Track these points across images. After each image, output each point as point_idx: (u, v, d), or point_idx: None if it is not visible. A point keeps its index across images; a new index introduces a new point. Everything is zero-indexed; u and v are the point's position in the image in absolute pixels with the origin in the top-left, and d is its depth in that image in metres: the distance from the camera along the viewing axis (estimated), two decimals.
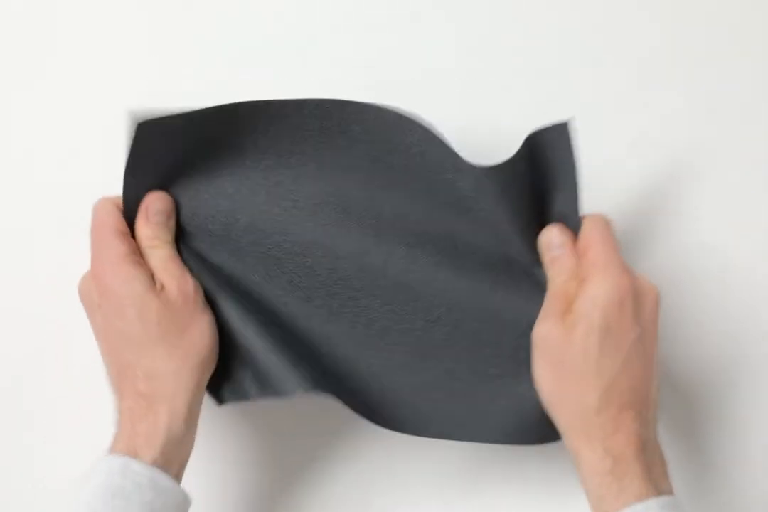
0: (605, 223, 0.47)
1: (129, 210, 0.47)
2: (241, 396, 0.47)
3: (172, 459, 0.44)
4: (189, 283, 0.46)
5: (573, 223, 0.47)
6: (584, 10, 0.56)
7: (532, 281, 0.48)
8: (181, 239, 0.49)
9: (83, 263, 0.54)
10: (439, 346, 0.49)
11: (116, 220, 0.47)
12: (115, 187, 0.55)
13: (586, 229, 0.46)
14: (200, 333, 0.46)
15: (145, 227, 0.47)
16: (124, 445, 0.43)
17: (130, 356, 0.45)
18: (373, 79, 0.56)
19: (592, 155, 0.54)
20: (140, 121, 0.45)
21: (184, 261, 0.48)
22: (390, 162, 0.48)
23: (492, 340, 0.49)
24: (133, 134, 0.45)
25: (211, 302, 0.47)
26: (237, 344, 0.47)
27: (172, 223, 0.48)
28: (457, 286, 0.48)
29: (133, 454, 0.43)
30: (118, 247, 0.46)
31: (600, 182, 0.55)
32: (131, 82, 0.55)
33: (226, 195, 0.49)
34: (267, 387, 0.46)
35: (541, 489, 0.56)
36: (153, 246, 0.47)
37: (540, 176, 0.47)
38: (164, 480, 0.43)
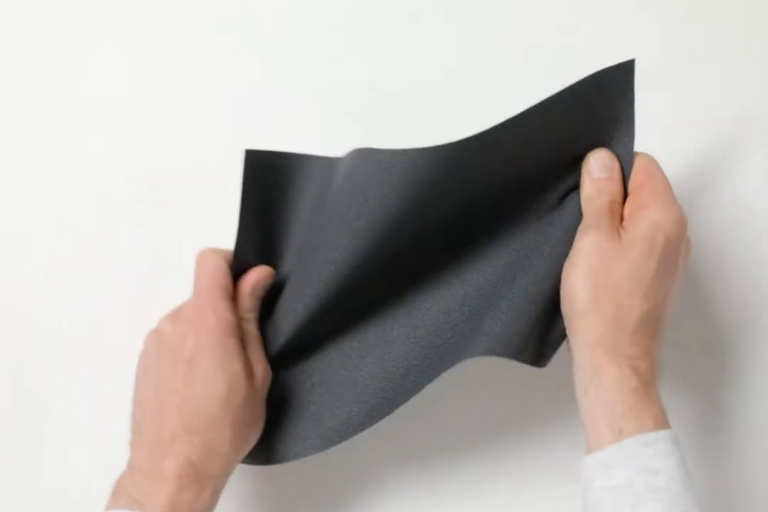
0: (658, 163, 0.47)
1: (235, 266, 0.47)
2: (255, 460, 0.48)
3: None
4: (269, 372, 0.47)
5: (626, 153, 0.47)
6: (584, 10, 0.56)
7: (543, 215, 0.48)
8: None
9: (84, 263, 0.55)
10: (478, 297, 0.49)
11: (227, 282, 0.46)
12: (115, 186, 0.55)
13: (644, 163, 0.46)
14: (260, 425, 0.46)
15: (248, 299, 0.46)
16: (162, 508, 0.42)
17: (197, 425, 0.43)
18: (373, 79, 0.56)
19: None
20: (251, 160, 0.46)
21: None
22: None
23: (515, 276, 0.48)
24: (245, 171, 0.46)
25: None
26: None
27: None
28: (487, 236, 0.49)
29: None
30: (227, 315, 0.44)
31: None
32: (131, 83, 0.55)
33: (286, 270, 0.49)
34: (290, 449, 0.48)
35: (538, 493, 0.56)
36: (248, 319, 0.47)
37: (596, 108, 0.46)
38: None
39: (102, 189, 0.55)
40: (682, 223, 0.45)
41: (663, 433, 0.42)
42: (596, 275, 0.44)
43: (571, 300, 0.45)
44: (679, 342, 0.55)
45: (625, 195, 0.47)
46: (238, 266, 0.47)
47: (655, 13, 0.57)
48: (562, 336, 0.47)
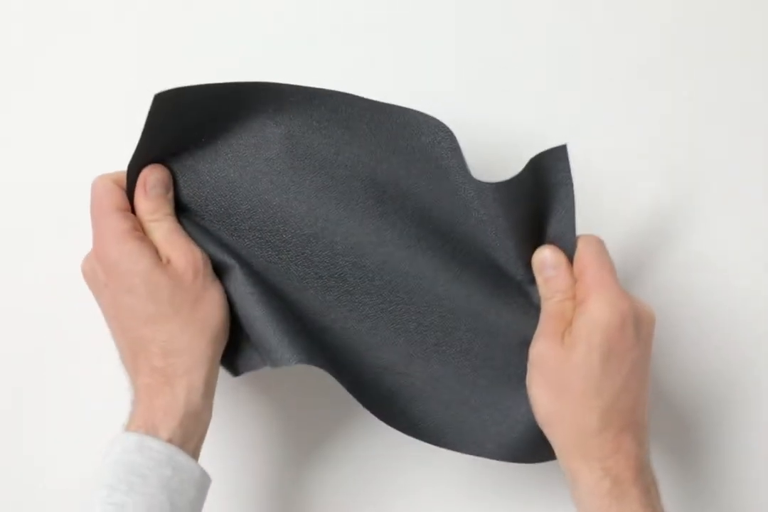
0: (600, 244, 0.46)
1: (131, 184, 0.46)
2: (252, 366, 0.47)
3: (191, 434, 0.44)
4: (196, 255, 0.46)
5: (568, 244, 0.47)
6: (584, 10, 0.56)
7: (526, 299, 0.49)
8: (181, 214, 0.48)
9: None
10: (428, 350, 0.49)
11: (116, 197, 0.46)
12: None
13: (582, 251, 0.46)
14: (212, 306, 0.45)
15: (144, 201, 0.46)
16: (142, 421, 0.43)
17: (145, 332, 0.44)
18: (373, 79, 0.56)
19: (592, 155, 0.55)
20: (158, 93, 0.44)
21: (187, 233, 0.47)
22: (394, 162, 0.48)
23: (483, 352, 0.49)
24: (150, 106, 0.45)
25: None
26: (240, 315, 0.47)
27: (171, 195, 0.47)
28: (453, 294, 0.48)
29: (152, 430, 0.43)
30: (119, 223, 0.45)
31: (599, 182, 0.55)
32: (130, 83, 0.55)
33: (228, 179, 0.48)
34: (265, 356, 0.46)
35: (537, 496, 0.56)
36: (154, 219, 0.46)
37: (538, 197, 0.47)
38: (181, 457, 0.43)
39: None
40: (620, 310, 0.44)
41: None
42: (550, 384, 0.45)
43: (535, 411, 0.46)
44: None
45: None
46: (132, 179, 0.46)
47: (655, 13, 0.57)
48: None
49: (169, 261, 0.45)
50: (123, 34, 0.55)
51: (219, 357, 0.46)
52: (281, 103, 0.47)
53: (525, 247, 0.48)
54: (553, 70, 0.56)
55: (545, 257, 0.47)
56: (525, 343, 0.47)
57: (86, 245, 0.55)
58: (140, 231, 0.45)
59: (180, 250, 0.45)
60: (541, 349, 0.45)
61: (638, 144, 0.56)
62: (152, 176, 0.46)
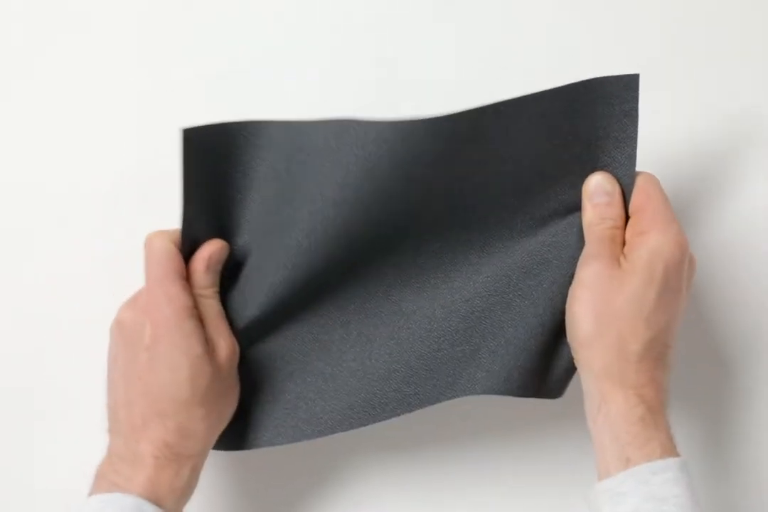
0: (659, 182, 0.47)
1: (186, 244, 0.46)
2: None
3: (180, 510, 0.45)
4: (235, 346, 0.47)
5: (625, 175, 0.46)
6: (584, 10, 0.56)
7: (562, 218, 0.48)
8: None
9: (83, 263, 0.55)
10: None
11: (178, 263, 0.45)
12: (116, 186, 0.55)
13: (644, 184, 0.46)
14: (234, 398, 0.47)
15: (204, 275, 0.46)
16: (142, 489, 0.43)
17: (167, 409, 0.44)
18: (373, 79, 0.56)
19: None
20: (187, 132, 0.44)
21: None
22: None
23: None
24: (182, 146, 0.44)
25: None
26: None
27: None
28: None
29: (154, 500, 0.43)
30: (184, 297, 0.44)
31: None
32: (130, 82, 0.55)
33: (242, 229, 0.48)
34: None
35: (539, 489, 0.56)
36: (207, 296, 0.46)
37: (594, 122, 0.46)
38: None
39: (103, 188, 0.55)
40: (681, 246, 0.45)
41: (671, 461, 0.42)
42: (598, 306, 0.45)
43: (574, 331, 0.45)
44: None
45: (627, 217, 0.47)
46: (188, 244, 0.46)
47: (655, 13, 0.57)
48: (572, 365, 0.47)
49: (214, 349, 0.45)
50: (121, 34, 0.55)
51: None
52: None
53: (575, 171, 0.47)
54: (552, 70, 0.56)
55: (601, 181, 0.46)
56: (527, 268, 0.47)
57: (86, 245, 0.55)
58: (195, 308, 0.45)
59: (225, 338, 0.46)
60: (596, 271, 0.45)
61: (638, 143, 0.56)
62: (220, 254, 0.47)
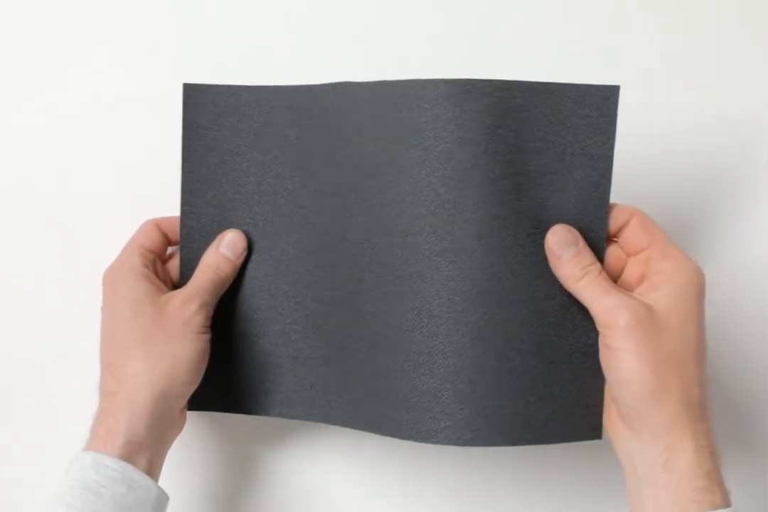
0: (649, 216, 0.45)
1: (186, 202, 0.49)
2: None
3: (137, 460, 0.44)
4: (192, 312, 0.46)
5: (600, 193, 0.44)
6: (584, 10, 0.56)
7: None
8: None
9: (83, 263, 0.55)
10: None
11: (143, 237, 0.49)
12: (117, 186, 0.55)
13: (641, 221, 0.44)
14: (183, 350, 0.46)
15: (215, 255, 0.48)
16: (99, 441, 0.44)
17: (112, 355, 0.46)
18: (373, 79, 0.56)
19: None
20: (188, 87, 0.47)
21: None
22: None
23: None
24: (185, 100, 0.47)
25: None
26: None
27: (240, 262, 0.49)
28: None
29: (107, 449, 0.43)
30: (133, 259, 0.48)
31: None
32: (129, 83, 0.55)
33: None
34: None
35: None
36: (205, 273, 0.48)
37: (568, 132, 0.43)
38: (137, 474, 0.43)
39: (103, 188, 0.55)
40: (700, 274, 0.43)
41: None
42: (650, 353, 0.41)
43: (630, 388, 0.42)
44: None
45: (609, 240, 0.45)
46: (188, 217, 0.49)
47: (655, 13, 0.57)
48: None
49: (167, 303, 0.46)
50: (121, 34, 0.55)
51: (173, 395, 0.46)
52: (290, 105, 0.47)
53: (541, 180, 0.44)
54: (553, 70, 0.56)
55: (561, 236, 0.44)
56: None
57: (86, 245, 0.55)
58: (149, 269, 0.48)
59: (184, 295, 0.47)
60: (632, 316, 0.41)
61: (638, 143, 0.56)
62: (240, 244, 0.49)
